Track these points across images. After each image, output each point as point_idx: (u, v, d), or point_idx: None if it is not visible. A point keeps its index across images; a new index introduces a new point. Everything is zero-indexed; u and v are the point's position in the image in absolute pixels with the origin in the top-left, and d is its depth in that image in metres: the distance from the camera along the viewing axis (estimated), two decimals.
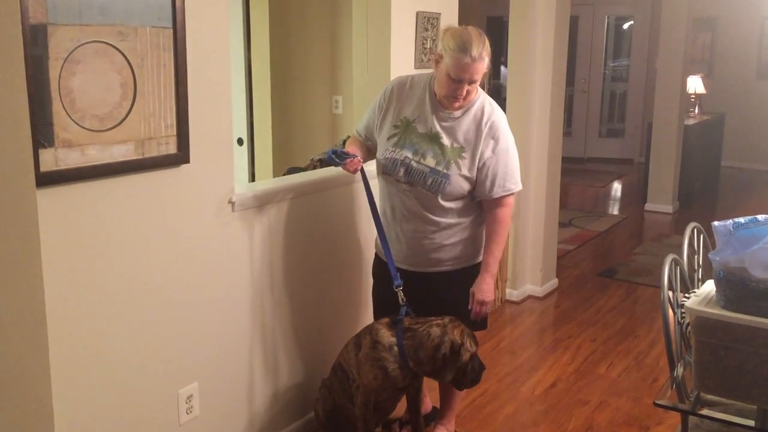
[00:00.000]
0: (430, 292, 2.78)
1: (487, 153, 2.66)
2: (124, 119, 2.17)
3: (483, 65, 2.57)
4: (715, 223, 2.05)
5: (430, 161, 2.67)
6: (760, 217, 2.02)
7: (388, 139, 2.76)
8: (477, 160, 2.66)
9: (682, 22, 7.02)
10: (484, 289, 2.73)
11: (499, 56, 10.31)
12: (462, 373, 2.61)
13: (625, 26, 10.51)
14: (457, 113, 2.68)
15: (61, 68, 1.99)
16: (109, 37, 2.09)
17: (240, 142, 4.65)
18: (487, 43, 2.59)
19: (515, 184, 2.72)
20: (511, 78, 4.67)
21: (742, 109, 9.57)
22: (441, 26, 3.51)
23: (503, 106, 4.70)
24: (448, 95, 2.62)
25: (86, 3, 2.02)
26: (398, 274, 2.72)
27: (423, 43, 3.43)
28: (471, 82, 2.58)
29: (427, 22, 3.44)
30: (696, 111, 8.32)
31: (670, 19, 7.09)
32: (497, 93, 10.52)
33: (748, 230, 1.99)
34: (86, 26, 2.03)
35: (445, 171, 2.65)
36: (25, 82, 1.29)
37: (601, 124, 10.62)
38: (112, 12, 2.09)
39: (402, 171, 2.70)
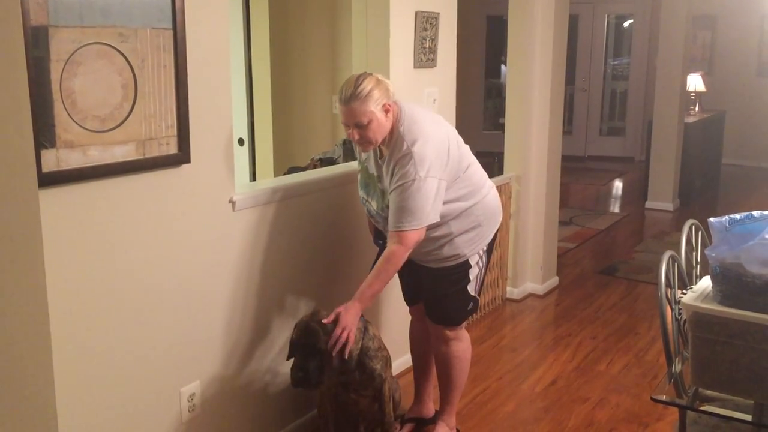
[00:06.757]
0: (418, 279, 2.92)
1: (391, 186, 2.59)
2: (125, 120, 2.19)
3: (359, 106, 2.48)
4: (711, 219, 2.07)
5: (375, 205, 2.77)
6: (756, 213, 2.04)
7: (359, 172, 2.87)
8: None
9: (682, 19, 7.02)
10: (344, 317, 2.54)
11: (499, 55, 10.33)
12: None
13: (626, 24, 10.51)
14: (384, 158, 2.65)
15: (63, 70, 2.01)
16: (109, 38, 2.11)
17: (241, 142, 4.67)
18: (367, 83, 2.50)
19: (409, 224, 2.53)
20: (511, 76, 4.68)
21: (743, 107, 9.57)
22: (440, 25, 3.53)
23: (502, 105, 4.71)
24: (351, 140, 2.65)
25: (87, 5, 2.04)
26: None
27: (422, 43, 3.45)
28: (357, 125, 2.52)
29: (426, 21, 3.45)
30: (696, 109, 8.32)
31: (669, 17, 7.09)
32: (498, 92, 10.54)
33: (743, 226, 2.00)
34: (87, 28, 2.05)
35: (384, 215, 2.71)
36: (27, 84, 1.30)
37: (601, 122, 10.62)
38: (113, 14, 2.11)
39: (365, 208, 2.86)
